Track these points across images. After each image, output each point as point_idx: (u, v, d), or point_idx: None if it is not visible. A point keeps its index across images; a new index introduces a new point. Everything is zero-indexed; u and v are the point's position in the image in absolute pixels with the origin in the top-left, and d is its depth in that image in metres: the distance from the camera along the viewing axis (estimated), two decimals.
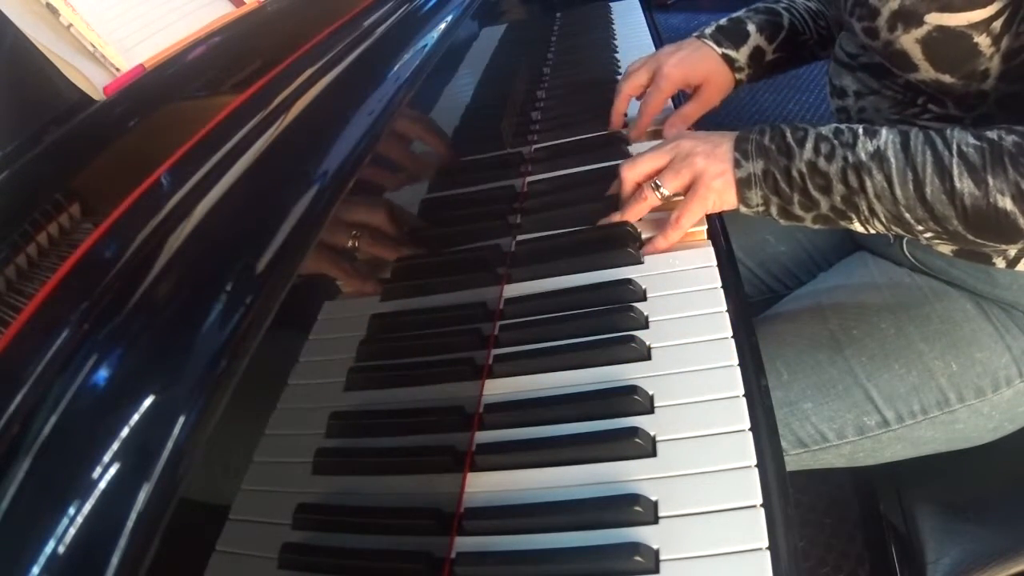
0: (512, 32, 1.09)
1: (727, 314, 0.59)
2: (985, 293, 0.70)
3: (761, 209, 0.65)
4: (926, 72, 0.64)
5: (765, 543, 0.42)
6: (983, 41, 0.60)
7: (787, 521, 0.44)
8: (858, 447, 0.71)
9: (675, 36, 0.93)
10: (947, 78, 0.63)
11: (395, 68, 0.59)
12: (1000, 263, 0.68)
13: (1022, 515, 0.68)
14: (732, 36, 0.87)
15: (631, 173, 0.69)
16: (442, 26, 0.71)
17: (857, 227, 0.63)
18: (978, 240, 0.59)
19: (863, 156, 0.60)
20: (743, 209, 0.66)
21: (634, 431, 0.50)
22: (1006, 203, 0.56)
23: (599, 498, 0.47)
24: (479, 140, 0.81)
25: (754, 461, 0.47)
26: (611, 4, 1.44)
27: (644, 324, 0.60)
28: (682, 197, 0.67)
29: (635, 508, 0.45)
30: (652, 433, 0.50)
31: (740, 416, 0.50)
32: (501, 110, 0.92)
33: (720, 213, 0.70)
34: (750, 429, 0.49)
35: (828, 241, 0.92)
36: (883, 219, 0.61)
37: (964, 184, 0.57)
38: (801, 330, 0.74)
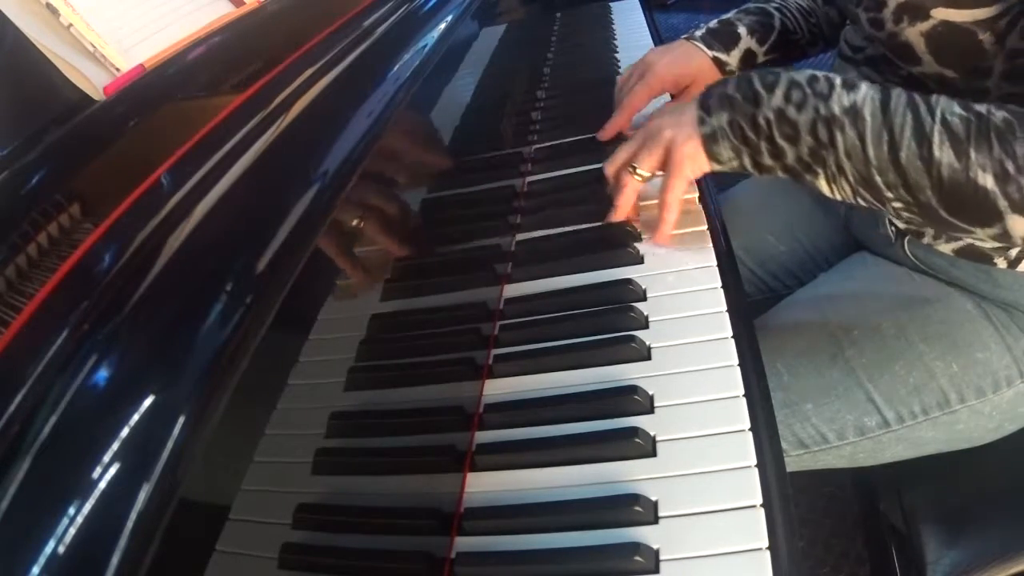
0: (512, 32, 1.09)
1: (727, 314, 0.59)
2: (986, 293, 0.70)
3: (735, 163, 0.63)
4: (929, 66, 0.64)
5: (765, 543, 0.42)
6: (987, 39, 0.59)
7: (787, 521, 0.44)
8: (859, 448, 0.71)
9: (675, 36, 0.93)
10: (950, 73, 0.63)
11: (395, 68, 0.59)
12: (1001, 263, 0.68)
13: (1022, 515, 0.68)
14: (723, 39, 0.87)
15: (609, 167, 0.72)
16: (442, 26, 0.71)
17: (822, 184, 0.60)
18: (951, 219, 0.56)
19: (836, 110, 0.57)
20: (716, 167, 0.64)
21: (634, 431, 0.50)
22: (987, 180, 0.53)
23: (599, 498, 0.47)
24: (479, 140, 0.81)
25: (754, 461, 0.47)
26: (611, 4, 1.44)
27: (644, 324, 0.60)
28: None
29: (635, 508, 0.45)
30: (652, 433, 0.50)
31: (740, 416, 0.50)
32: (501, 110, 0.92)
33: (719, 213, 0.70)
34: (750, 429, 0.49)
35: (829, 241, 0.92)
36: (851, 178, 0.58)
37: (944, 154, 0.53)
38: (801, 331, 0.74)
